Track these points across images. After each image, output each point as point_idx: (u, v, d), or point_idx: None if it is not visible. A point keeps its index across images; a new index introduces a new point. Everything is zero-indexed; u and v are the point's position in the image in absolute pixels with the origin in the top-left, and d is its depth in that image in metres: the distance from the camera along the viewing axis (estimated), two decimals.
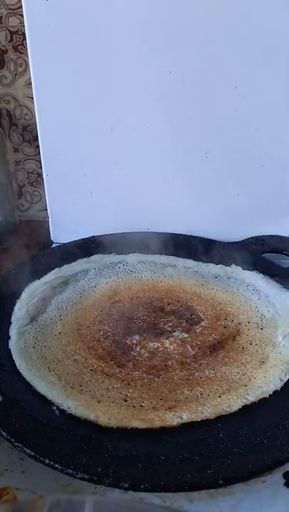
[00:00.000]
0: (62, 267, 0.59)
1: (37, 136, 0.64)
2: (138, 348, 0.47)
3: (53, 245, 0.70)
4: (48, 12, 0.55)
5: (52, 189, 0.68)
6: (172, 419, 0.38)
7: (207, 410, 0.39)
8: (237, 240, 0.66)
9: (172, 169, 0.64)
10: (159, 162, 0.64)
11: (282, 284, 0.56)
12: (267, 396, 0.41)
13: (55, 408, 0.39)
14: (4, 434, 0.35)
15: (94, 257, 0.62)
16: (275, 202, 0.65)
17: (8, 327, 0.49)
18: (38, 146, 0.65)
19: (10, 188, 0.74)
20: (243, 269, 0.60)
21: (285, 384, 0.42)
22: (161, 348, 0.47)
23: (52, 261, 0.59)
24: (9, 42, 0.70)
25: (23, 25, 0.57)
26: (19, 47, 0.70)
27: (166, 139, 0.62)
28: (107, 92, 0.59)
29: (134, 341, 0.48)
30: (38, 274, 0.57)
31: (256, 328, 0.50)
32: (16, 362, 0.44)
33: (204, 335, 0.49)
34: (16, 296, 0.53)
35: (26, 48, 0.58)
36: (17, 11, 0.67)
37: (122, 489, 0.32)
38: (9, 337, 0.47)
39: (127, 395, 0.41)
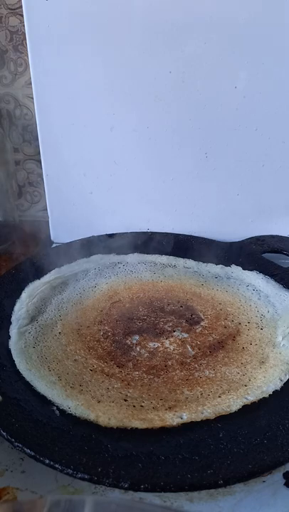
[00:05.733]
0: (62, 267, 0.59)
1: (37, 136, 0.64)
2: (138, 348, 0.47)
3: (53, 245, 0.70)
4: (48, 12, 0.55)
5: (52, 189, 0.68)
6: (172, 419, 0.38)
7: (207, 410, 0.39)
8: (237, 240, 0.66)
9: (172, 169, 0.64)
10: (159, 162, 0.64)
11: (282, 284, 0.56)
12: (267, 396, 0.41)
13: (55, 408, 0.39)
14: (4, 434, 0.35)
15: (94, 257, 0.62)
16: (275, 202, 0.65)
17: (8, 327, 0.49)
18: (38, 146, 0.65)
19: (10, 188, 0.74)
20: (243, 269, 0.60)
21: (285, 384, 0.42)
22: (161, 348, 0.47)
23: (52, 261, 0.59)
24: (9, 42, 0.70)
25: (23, 25, 0.57)
26: (19, 47, 0.70)
27: (166, 139, 0.62)
28: (107, 92, 0.59)
29: (134, 341, 0.48)
30: (38, 274, 0.57)
31: (256, 328, 0.50)
32: (16, 362, 0.44)
33: (204, 335, 0.49)
34: (16, 296, 0.53)
35: (26, 48, 0.58)
36: (17, 10, 0.67)
37: (122, 489, 0.32)
38: (9, 337, 0.47)
39: (127, 395, 0.41)
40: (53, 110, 0.61)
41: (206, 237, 0.67)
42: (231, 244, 0.66)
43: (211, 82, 0.58)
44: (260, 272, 0.58)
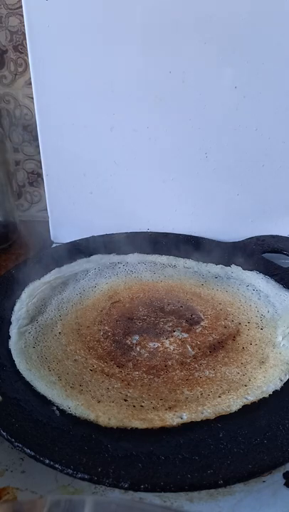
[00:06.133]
0: (62, 267, 0.59)
1: (37, 136, 0.64)
2: (138, 348, 0.47)
3: (53, 245, 0.70)
4: (48, 12, 0.55)
5: (52, 189, 0.68)
6: (172, 419, 0.38)
7: (207, 410, 0.39)
8: (237, 240, 0.66)
9: (172, 169, 0.64)
10: (159, 162, 0.64)
11: (282, 284, 0.56)
12: (267, 396, 0.41)
13: (55, 408, 0.39)
14: (4, 434, 0.35)
15: (94, 257, 0.62)
16: (275, 202, 0.65)
17: (8, 327, 0.49)
18: (38, 146, 0.65)
19: (10, 188, 0.74)
20: (243, 269, 0.60)
21: (285, 384, 0.42)
22: (161, 348, 0.47)
23: (52, 261, 0.59)
24: (9, 42, 0.70)
25: (23, 25, 0.57)
26: (19, 47, 0.70)
27: (166, 139, 0.62)
28: (107, 92, 0.59)
29: (134, 341, 0.48)
30: (38, 274, 0.57)
31: (256, 328, 0.50)
32: (16, 362, 0.44)
33: (204, 335, 0.49)
34: (16, 296, 0.53)
35: (26, 48, 0.58)
36: (17, 10, 0.67)
37: (122, 489, 0.32)
38: (9, 337, 0.47)
39: (127, 395, 0.41)
40: (53, 110, 0.61)
41: (206, 237, 0.67)
42: (231, 244, 0.66)
43: (211, 82, 0.58)
44: (260, 272, 0.58)
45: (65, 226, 0.70)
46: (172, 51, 0.56)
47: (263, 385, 0.42)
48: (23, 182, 0.81)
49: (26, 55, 0.64)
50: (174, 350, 0.47)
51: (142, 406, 0.39)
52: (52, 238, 0.72)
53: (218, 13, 0.53)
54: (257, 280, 0.57)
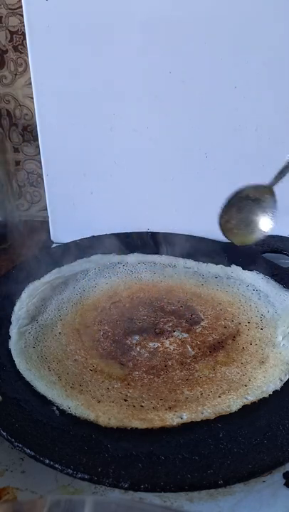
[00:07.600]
0: (62, 267, 0.59)
1: (37, 136, 0.64)
2: (138, 348, 0.47)
3: (53, 245, 0.70)
4: (48, 12, 0.55)
5: (52, 189, 0.68)
6: (172, 419, 0.38)
7: (207, 410, 0.39)
8: None
9: (172, 169, 0.64)
10: (159, 162, 0.64)
11: (282, 284, 0.56)
12: (267, 396, 0.41)
13: (55, 408, 0.39)
14: (4, 434, 0.35)
15: (94, 257, 0.62)
16: None
17: (8, 327, 0.49)
18: (38, 146, 0.65)
19: (10, 188, 0.74)
20: (243, 269, 0.60)
21: (284, 384, 0.42)
22: (161, 348, 0.47)
23: (52, 261, 0.59)
24: (9, 42, 0.70)
25: (23, 25, 0.57)
26: (19, 47, 0.70)
27: (166, 139, 0.62)
28: (107, 92, 0.59)
29: (134, 341, 0.48)
30: (38, 274, 0.57)
31: (256, 328, 0.50)
32: (16, 362, 0.44)
33: (204, 335, 0.49)
34: (16, 296, 0.53)
35: (26, 48, 0.58)
36: (17, 10, 0.67)
37: (122, 489, 0.32)
38: (9, 337, 0.47)
39: (127, 395, 0.41)
40: (53, 110, 0.61)
41: (206, 237, 0.67)
42: (231, 244, 0.65)
43: (211, 82, 0.58)
44: (260, 272, 0.58)
45: (65, 226, 0.70)
46: (172, 51, 0.56)
47: (263, 385, 0.42)
48: (23, 182, 0.81)
49: (26, 55, 0.64)
50: (174, 350, 0.47)
51: (142, 406, 0.39)
52: (52, 238, 0.71)
53: (218, 13, 0.53)
54: (257, 280, 0.57)
